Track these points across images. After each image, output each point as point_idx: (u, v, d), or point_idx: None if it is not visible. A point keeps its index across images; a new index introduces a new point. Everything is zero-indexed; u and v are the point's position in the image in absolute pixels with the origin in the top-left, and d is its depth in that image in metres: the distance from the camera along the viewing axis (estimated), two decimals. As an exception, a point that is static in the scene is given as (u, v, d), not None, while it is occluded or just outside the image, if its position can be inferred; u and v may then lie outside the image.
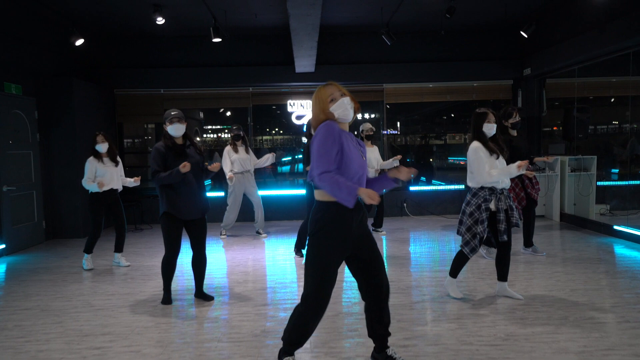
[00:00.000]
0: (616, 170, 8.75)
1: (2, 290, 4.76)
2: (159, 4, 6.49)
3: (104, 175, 5.22)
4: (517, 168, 3.65)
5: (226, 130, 10.12)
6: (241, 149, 6.85)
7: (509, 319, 3.55)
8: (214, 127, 10.55)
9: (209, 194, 8.41)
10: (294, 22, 5.13)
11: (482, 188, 3.78)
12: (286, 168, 10.11)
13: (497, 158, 3.80)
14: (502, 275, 3.97)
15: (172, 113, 4.00)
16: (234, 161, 6.77)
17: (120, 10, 6.89)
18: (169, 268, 4.12)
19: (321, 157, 2.44)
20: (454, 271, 4.01)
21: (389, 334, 2.79)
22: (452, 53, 8.62)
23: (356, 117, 2.66)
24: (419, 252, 5.93)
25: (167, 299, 4.15)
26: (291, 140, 9.88)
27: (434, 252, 5.89)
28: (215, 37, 6.42)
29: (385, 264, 5.36)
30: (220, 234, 7.14)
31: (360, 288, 2.73)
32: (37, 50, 6.87)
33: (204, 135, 10.31)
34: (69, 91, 7.17)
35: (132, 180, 5.45)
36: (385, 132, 6.80)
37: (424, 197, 8.74)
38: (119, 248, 5.49)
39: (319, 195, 2.56)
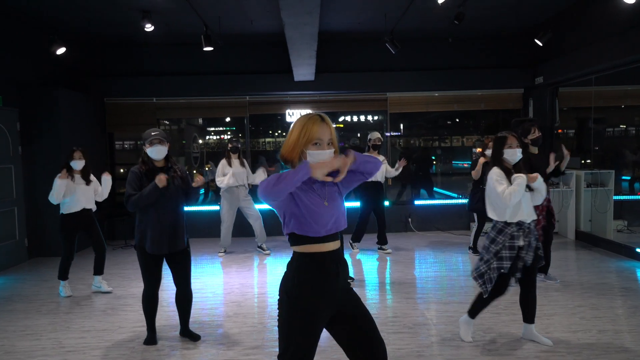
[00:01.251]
0: (628, 178, 8.32)
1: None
2: (148, 10, 6.09)
3: (73, 193, 4.78)
4: (529, 178, 3.25)
5: (228, 132, 9.74)
6: (236, 162, 6.51)
7: (532, 371, 3.10)
8: (216, 128, 10.12)
9: (203, 208, 8.14)
10: (290, 31, 4.71)
11: (508, 224, 3.33)
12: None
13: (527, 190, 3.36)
14: (528, 316, 3.50)
15: (152, 134, 3.58)
16: (228, 175, 6.40)
17: (108, 16, 6.49)
18: (149, 304, 3.69)
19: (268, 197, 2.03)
20: (473, 311, 3.53)
21: None
22: (460, 61, 8.20)
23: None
24: (425, 277, 5.47)
25: (150, 338, 3.72)
26: None
27: (442, 277, 5.44)
28: (206, 45, 6.01)
29: (389, 291, 4.94)
30: (219, 253, 6.74)
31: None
32: (20, 60, 6.49)
33: (207, 137, 9.90)
34: (54, 101, 6.76)
35: (106, 178, 4.98)
36: (388, 134, 6.44)
37: (430, 212, 8.29)
38: (98, 270, 5.05)
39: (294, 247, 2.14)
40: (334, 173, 2.04)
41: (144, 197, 3.40)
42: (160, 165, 3.63)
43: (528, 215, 3.33)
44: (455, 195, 8.96)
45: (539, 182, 3.31)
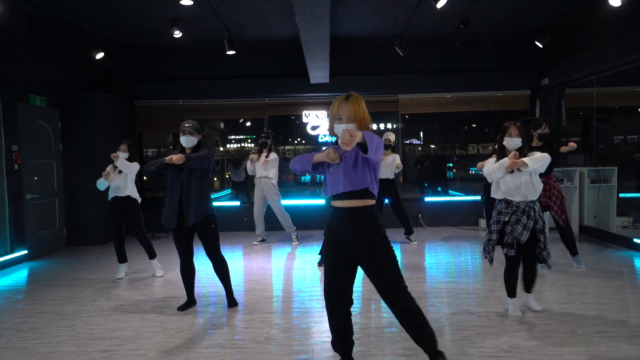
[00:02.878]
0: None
1: (23, 294, 4.94)
2: (176, 18, 6.68)
3: (114, 181, 5.29)
4: (506, 167, 3.54)
5: (249, 140, 10.27)
6: (263, 156, 7.01)
7: (515, 332, 3.50)
8: (236, 137, 10.67)
9: (224, 204, 8.69)
10: (304, 35, 5.23)
11: (500, 200, 3.76)
12: (306, 178, 10.16)
13: (517, 170, 3.63)
14: (526, 286, 3.95)
15: (186, 125, 4.09)
16: (254, 168, 7.04)
17: (139, 25, 7.12)
18: (182, 275, 4.23)
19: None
20: (508, 290, 3.86)
21: (432, 348, 2.64)
22: (468, 63, 8.60)
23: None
24: (434, 263, 5.88)
25: (184, 304, 4.23)
26: (312, 151, 9.90)
27: (450, 263, 5.84)
28: (229, 49, 6.57)
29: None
30: (254, 243, 7.30)
31: None
32: (60, 66, 7.16)
33: (227, 145, 10.45)
34: (90, 103, 7.42)
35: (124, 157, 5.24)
36: (397, 171, 6.90)
37: (440, 208, 8.68)
38: (149, 255, 5.46)
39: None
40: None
41: (153, 167, 3.94)
42: (190, 152, 4.14)
43: (513, 195, 3.65)
44: (462, 194, 9.31)
45: (531, 165, 3.56)
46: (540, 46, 6.65)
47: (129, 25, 7.09)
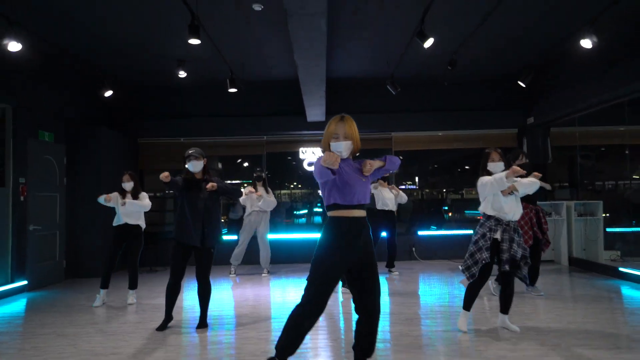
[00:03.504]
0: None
1: (23, 319, 5.03)
2: (183, 59, 7.11)
3: (117, 209, 5.53)
4: (506, 176, 3.71)
5: (245, 185, 10.51)
6: (260, 189, 7.26)
7: (502, 343, 3.64)
8: (233, 181, 10.91)
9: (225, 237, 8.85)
10: (302, 72, 5.61)
11: (489, 218, 3.92)
12: (302, 220, 10.37)
13: (510, 194, 3.89)
14: (503, 307, 4.02)
15: (190, 152, 4.41)
16: (248, 200, 7.23)
17: (145, 64, 7.55)
18: (169, 292, 4.38)
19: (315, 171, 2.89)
20: (466, 303, 4.03)
21: (370, 354, 2.91)
22: (457, 103, 9.04)
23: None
24: (427, 290, 6.02)
25: (162, 324, 4.37)
26: (308, 194, 10.15)
27: (443, 292, 5.98)
28: (231, 87, 6.96)
29: (388, 300, 5.49)
30: (229, 273, 7.39)
31: (354, 301, 2.93)
32: (68, 101, 7.52)
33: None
34: (95, 139, 7.73)
35: (131, 199, 5.49)
36: (401, 202, 7.22)
37: (433, 242, 8.87)
38: (132, 284, 5.60)
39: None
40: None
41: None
42: (199, 177, 4.41)
43: (507, 214, 3.86)
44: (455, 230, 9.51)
45: (523, 188, 3.91)
46: (523, 85, 7.08)
47: (136, 64, 7.52)
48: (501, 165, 3.98)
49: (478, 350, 3.53)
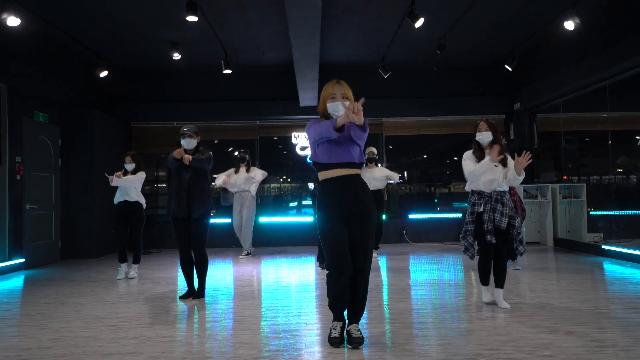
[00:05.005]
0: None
1: (24, 292, 5.13)
2: (176, 42, 7.20)
3: (120, 188, 5.67)
4: (491, 159, 3.85)
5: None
6: (242, 170, 7.39)
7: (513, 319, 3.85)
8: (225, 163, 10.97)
9: (216, 221, 8.96)
10: (296, 52, 5.75)
11: (472, 193, 4.02)
12: (293, 212, 10.47)
13: (496, 166, 3.91)
14: (498, 281, 4.00)
15: (185, 129, 4.54)
16: (233, 181, 7.36)
17: (139, 47, 7.62)
18: (182, 266, 4.55)
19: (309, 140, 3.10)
20: (482, 279, 4.05)
21: (357, 318, 3.07)
22: (446, 89, 9.24)
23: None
24: (417, 265, 6.23)
25: (185, 294, 4.53)
26: (299, 188, 10.25)
27: (432, 267, 6.19)
28: (225, 68, 7.07)
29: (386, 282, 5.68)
30: (240, 256, 7.52)
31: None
32: (63, 84, 7.56)
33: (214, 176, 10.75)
34: (90, 122, 7.79)
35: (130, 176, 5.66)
36: (391, 182, 7.30)
37: (424, 225, 9.08)
38: (135, 259, 5.78)
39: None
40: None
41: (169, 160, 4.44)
42: (191, 152, 4.54)
43: (485, 187, 3.96)
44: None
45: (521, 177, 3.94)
46: (510, 69, 7.30)
47: (130, 46, 7.59)
48: (488, 134, 4.05)
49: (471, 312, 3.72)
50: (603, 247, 6.77)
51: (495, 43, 7.77)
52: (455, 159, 10.72)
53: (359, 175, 3.09)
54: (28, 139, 6.79)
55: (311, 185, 10.17)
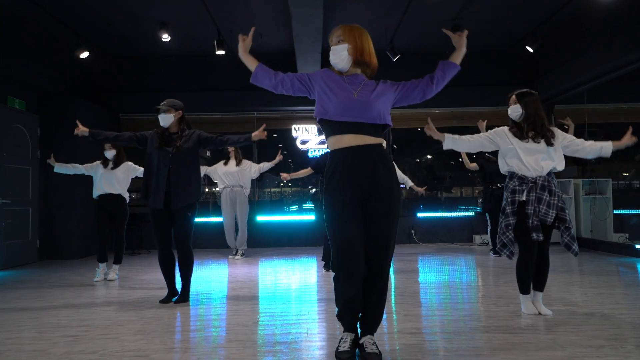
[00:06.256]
0: None
1: (-17, 296, 4.49)
2: (165, 22, 6.58)
3: (97, 178, 5.06)
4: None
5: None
6: (231, 162, 6.69)
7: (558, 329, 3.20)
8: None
9: (202, 219, 8.27)
10: (297, 25, 5.12)
11: (511, 177, 3.31)
12: (294, 212, 9.84)
13: (538, 142, 3.23)
14: (537, 284, 3.33)
15: (161, 104, 3.91)
16: (221, 175, 6.66)
17: (127, 31, 7.00)
18: (161, 263, 3.92)
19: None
20: (521, 287, 3.33)
21: (372, 328, 2.43)
22: (457, 78, 8.56)
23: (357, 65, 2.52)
24: (426, 266, 5.58)
25: (165, 298, 3.89)
26: (299, 192, 9.64)
27: (442, 269, 5.55)
28: (219, 49, 6.44)
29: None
30: (234, 256, 6.81)
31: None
32: (42, 68, 6.92)
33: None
34: (73, 111, 7.14)
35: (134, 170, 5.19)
36: (402, 186, 6.52)
37: (433, 224, 8.43)
38: (117, 259, 5.17)
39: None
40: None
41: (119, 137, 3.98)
42: (174, 131, 3.91)
43: (530, 167, 3.22)
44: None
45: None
46: (531, 51, 6.65)
47: (117, 30, 6.96)
48: (517, 107, 3.38)
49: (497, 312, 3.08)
50: (637, 247, 6.11)
51: (513, 24, 7.13)
52: (460, 159, 10.00)
53: (380, 146, 2.41)
54: (1, 127, 6.15)
55: (312, 190, 9.55)
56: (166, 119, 3.86)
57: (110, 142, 4.18)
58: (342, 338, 2.41)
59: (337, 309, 2.42)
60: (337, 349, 2.37)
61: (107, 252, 5.11)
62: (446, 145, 3.39)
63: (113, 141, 4.08)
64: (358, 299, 2.35)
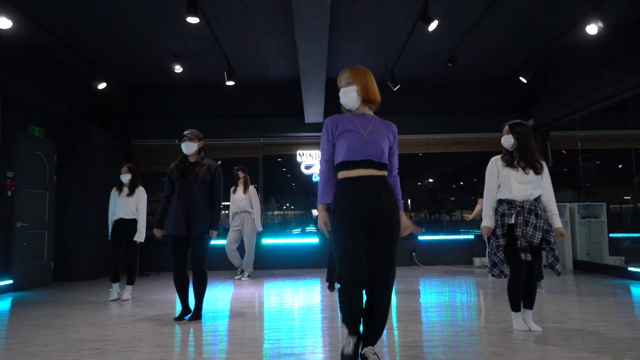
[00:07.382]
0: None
1: (7, 314, 4.73)
2: (178, 54, 6.98)
3: (116, 204, 5.36)
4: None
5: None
6: (239, 189, 7.06)
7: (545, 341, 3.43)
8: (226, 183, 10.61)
9: (216, 242, 8.54)
10: (302, 57, 5.48)
11: (501, 202, 3.59)
12: (298, 235, 10.07)
13: (527, 173, 3.52)
14: (526, 302, 3.59)
15: (185, 132, 4.21)
16: (231, 202, 7.07)
17: (140, 61, 7.40)
18: (175, 283, 4.16)
19: (322, 148, 2.80)
20: (512, 304, 3.57)
21: (373, 340, 2.67)
22: (456, 106, 8.96)
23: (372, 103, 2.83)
24: (427, 288, 5.80)
25: (179, 316, 4.14)
26: (302, 215, 9.87)
27: (443, 291, 5.77)
28: (229, 80, 6.81)
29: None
30: (240, 278, 7.07)
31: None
32: (61, 97, 7.30)
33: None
34: (88, 138, 7.50)
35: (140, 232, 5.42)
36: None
37: (434, 247, 8.66)
38: (130, 280, 5.42)
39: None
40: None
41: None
42: (193, 159, 4.22)
43: (518, 195, 3.49)
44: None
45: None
46: (525, 81, 7.00)
47: (130, 60, 7.37)
48: (509, 137, 3.68)
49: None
50: (630, 269, 6.33)
51: (508, 55, 7.51)
52: (462, 183, 10.25)
53: (384, 178, 2.72)
54: (22, 153, 6.49)
55: (315, 212, 9.79)
56: (190, 147, 4.16)
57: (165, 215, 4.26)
58: (346, 341, 2.63)
59: (341, 314, 2.66)
60: (342, 351, 2.62)
61: (119, 273, 5.38)
62: (488, 222, 3.64)
63: (167, 212, 4.21)
64: (360, 304, 2.60)
